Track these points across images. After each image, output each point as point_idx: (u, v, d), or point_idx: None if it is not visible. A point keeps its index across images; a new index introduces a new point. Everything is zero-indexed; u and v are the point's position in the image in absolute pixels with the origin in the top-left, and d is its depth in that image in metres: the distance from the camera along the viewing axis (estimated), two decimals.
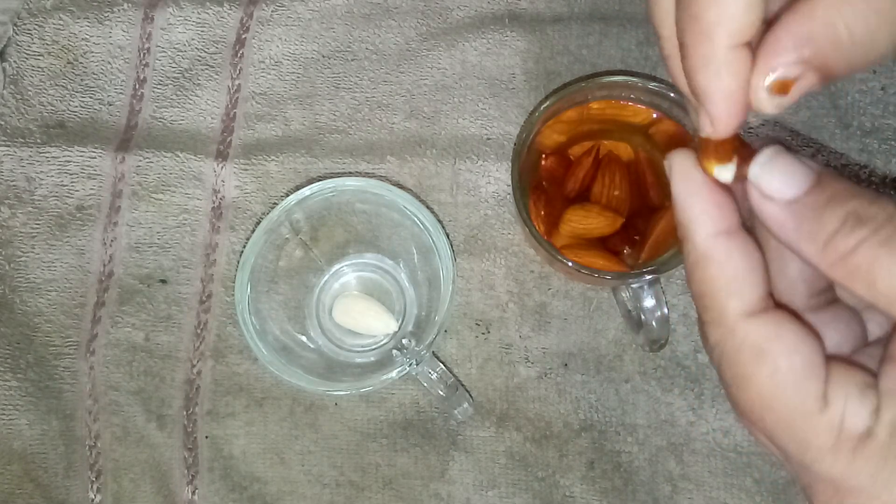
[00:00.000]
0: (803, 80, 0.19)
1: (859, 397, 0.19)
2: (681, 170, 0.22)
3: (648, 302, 0.34)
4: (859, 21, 0.18)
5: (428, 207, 0.40)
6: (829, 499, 0.19)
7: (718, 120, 0.21)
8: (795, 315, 0.21)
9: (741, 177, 0.21)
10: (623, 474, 0.38)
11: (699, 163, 0.21)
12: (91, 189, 0.42)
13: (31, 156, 0.42)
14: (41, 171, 0.42)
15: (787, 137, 0.40)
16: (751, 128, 0.41)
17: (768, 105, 0.20)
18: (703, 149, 0.21)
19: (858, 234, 0.18)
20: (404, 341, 0.39)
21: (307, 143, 0.42)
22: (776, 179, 0.20)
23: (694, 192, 0.21)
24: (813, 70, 0.19)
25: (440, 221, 0.39)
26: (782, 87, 0.20)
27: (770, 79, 0.20)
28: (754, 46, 0.20)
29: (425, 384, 0.35)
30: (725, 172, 0.21)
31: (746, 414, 0.21)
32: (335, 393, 0.35)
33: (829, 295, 0.23)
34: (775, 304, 0.21)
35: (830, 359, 0.20)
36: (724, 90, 0.20)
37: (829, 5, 0.19)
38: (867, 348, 0.23)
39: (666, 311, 0.34)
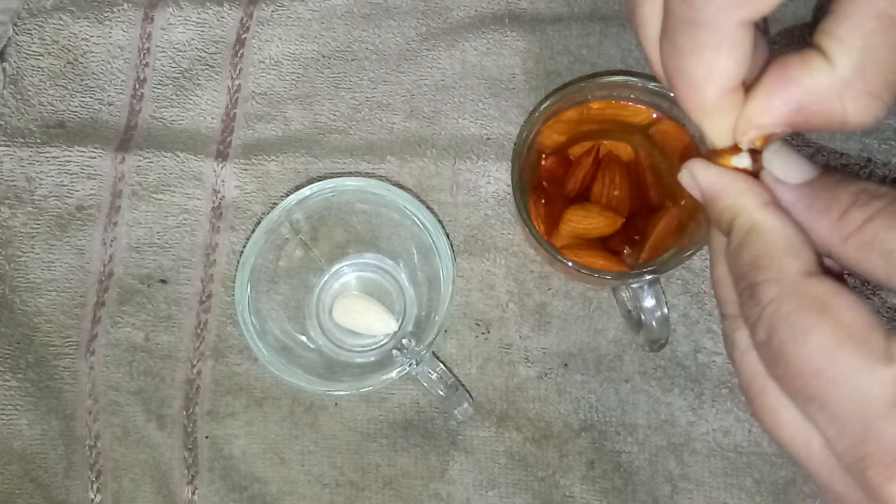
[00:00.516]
0: (784, 132, 0.21)
1: None
2: (704, 168, 0.23)
3: (648, 302, 0.34)
4: (860, 103, 0.19)
5: (428, 207, 0.40)
6: (892, 461, 0.18)
7: (717, 143, 0.22)
8: None
9: (756, 168, 0.22)
10: (623, 474, 0.38)
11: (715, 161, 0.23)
12: (91, 189, 0.42)
13: (31, 156, 0.42)
14: (41, 171, 0.42)
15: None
16: None
17: (746, 145, 0.22)
18: (715, 150, 0.23)
19: (874, 205, 0.19)
20: (404, 341, 0.39)
21: (307, 143, 0.42)
22: (787, 165, 0.21)
23: (727, 177, 0.22)
24: (794, 128, 0.21)
25: (440, 221, 0.39)
26: (764, 140, 0.22)
27: (754, 135, 0.21)
28: (749, 80, 0.21)
29: (425, 384, 0.35)
30: (743, 160, 0.22)
31: (799, 374, 0.20)
32: (335, 393, 0.35)
33: None
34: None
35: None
36: (714, 128, 0.22)
37: (832, 80, 0.19)
38: None
39: (666, 311, 0.34)
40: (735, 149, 0.22)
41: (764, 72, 0.21)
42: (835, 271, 0.22)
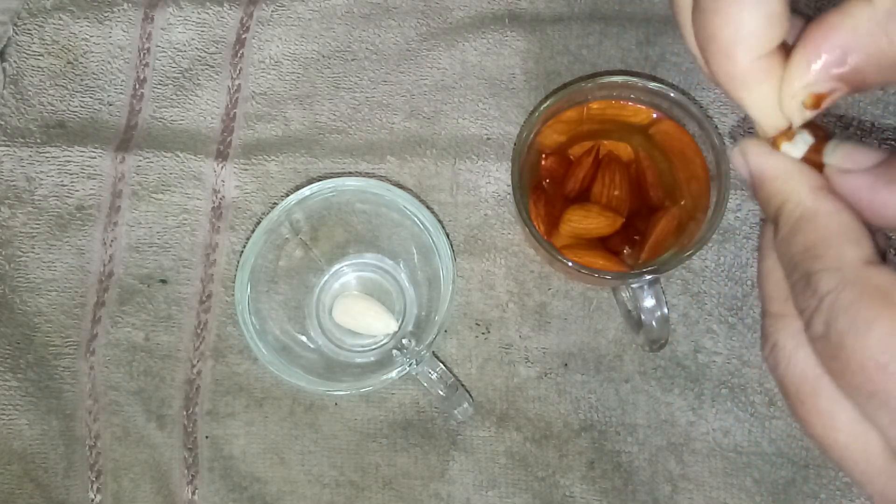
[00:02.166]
0: (836, 93, 0.19)
1: None
2: (756, 147, 0.21)
3: (648, 302, 0.34)
4: None
5: (428, 207, 0.40)
6: None
7: (759, 124, 0.21)
8: None
9: (814, 159, 0.21)
10: (623, 474, 0.38)
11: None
12: (91, 189, 0.42)
13: (31, 156, 0.42)
14: (41, 171, 0.42)
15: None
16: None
17: (798, 116, 0.20)
18: (766, 137, 0.21)
19: None
20: (404, 341, 0.39)
21: (307, 143, 0.42)
22: (851, 154, 0.20)
23: (781, 161, 0.21)
24: (847, 84, 0.19)
25: (440, 221, 0.39)
26: (815, 102, 0.20)
27: (802, 95, 0.19)
28: (792, 42, 0.19)
29: (425, 384, 0.35)
30: (798, 146, 0.21)
31: (862, 367, 0.19)
32: (335, 393, 0.35)
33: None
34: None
35: None
36: (754, 101, 0.20)
37: (874, 15, 0.18)
38: None
39: (666, 311, 0.34)
40: (789, 133, 0.21)
41: (802, 32, 0.20)
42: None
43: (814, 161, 0.21)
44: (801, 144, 0.21)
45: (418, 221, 0.36)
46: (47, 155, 0.42)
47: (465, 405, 0.36)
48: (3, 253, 0.41)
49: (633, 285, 0.34)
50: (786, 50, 0.20)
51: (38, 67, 0.43)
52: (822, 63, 0.19)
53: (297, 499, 0.39)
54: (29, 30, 0.44)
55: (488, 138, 0.41)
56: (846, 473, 0.21)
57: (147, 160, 0.42)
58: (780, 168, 0.21)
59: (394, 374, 0.34)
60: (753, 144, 0.22)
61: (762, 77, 0.20)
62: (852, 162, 0.20)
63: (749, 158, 0.22)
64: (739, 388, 0.38)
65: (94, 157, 0.42)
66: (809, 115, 0.20)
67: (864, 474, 0.20)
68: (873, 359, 0.18)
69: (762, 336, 0.23)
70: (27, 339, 0.40)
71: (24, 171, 0.42)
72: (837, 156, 0.21)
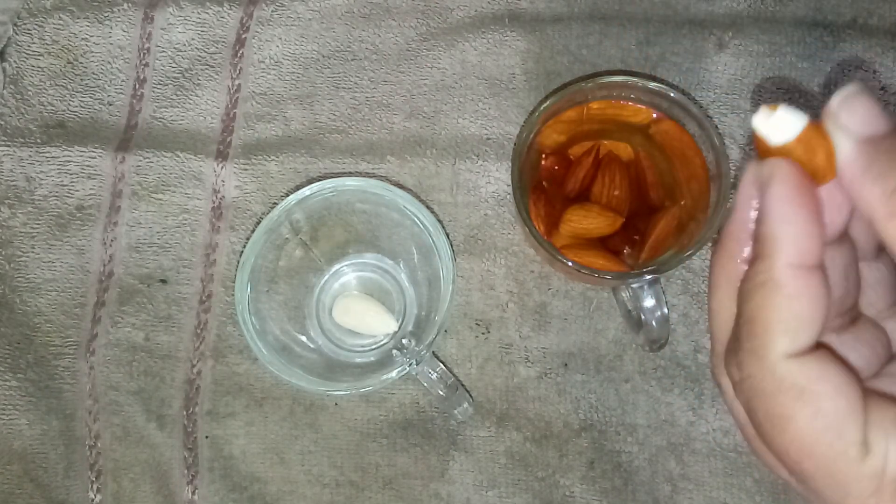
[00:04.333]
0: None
1: None
2: (786, 179, 0.19)
3: (648, 302, 0.34)
4: None
5: (428, 207, 0.40)
6: None
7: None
8: (832, 352, 0.20)
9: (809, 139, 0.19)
10: (623, 474, 0.38)
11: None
12: (91, 189, 0.42)
13: (31, 156, 0.42)
14: (41, 171, 0.42)
15: None
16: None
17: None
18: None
19: None
20: (404, 341, 0.39)
21: (307, 143, 0.42)
22: (856, 114, 0.19)
23: (794, 210, 0.19)
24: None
25: (440, 221, 0.39)
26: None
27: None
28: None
29: (425, 384, 0.35)
30: (778, 128, 0.19)
31: (781, 455, 0.19)
32: (335, 393, 0.35)
33: (853, 313, 0.23)
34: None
35: (867, 395, 0.19)
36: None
37: None
38: (893, 364, 0.22)
39: (666, 311, 0.34)
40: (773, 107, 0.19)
41: None
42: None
43: (811, 144, 0.19)
44: (776, 125, 0.19)
45: (418, 221, 0.36)
46: (47, 155, 0.42)
47: (465, 405, 0.36)
48: (3, 253, 0.41)
49: (633, 285, 0.34)
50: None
51: (38, 67, 0.43)
52: None
53: (297, 499, 0.39)
54: (29, 30, 0.44)
55: (488, 138, 0.41)
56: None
57: (147, 160, 0.42)
58: (783, 220, 0.19)
59: (394, 374, 0.34)
60: (785, 170, 0.20)
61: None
62: (854, 121, 0.19)
63: (774, 183, 0.20)
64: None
65: (94, 157, 0.42)
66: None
67: (807, 497, 0.21)
68: (789, 453, 0.19)
69: (710, 369, 0.23)
70: (27, 339, 0.40)
71: (24, 171, 0.42)
72: (844, 109, 0.19)
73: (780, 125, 0.19)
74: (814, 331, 0.19)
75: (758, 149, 0.20)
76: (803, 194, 0.19)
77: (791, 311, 0.19)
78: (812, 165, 0.20)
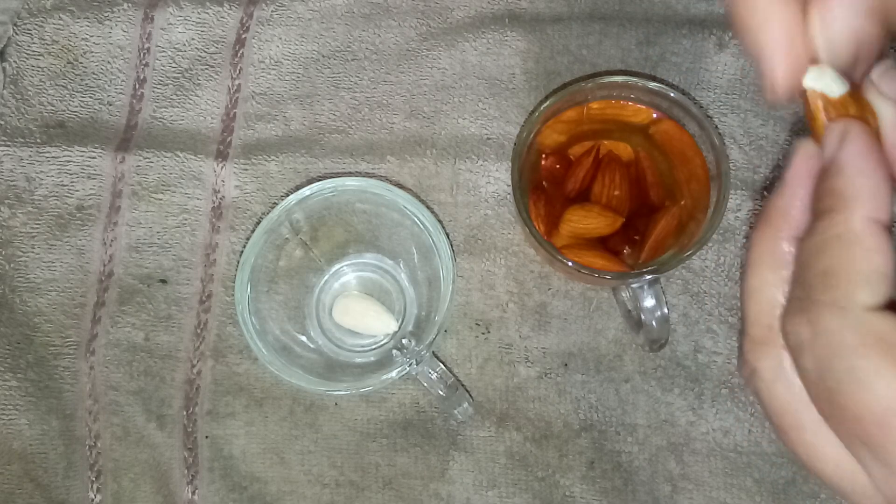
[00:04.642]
0: (865, 30, 0.18)
1: None
2: (863, 135, 0.19)
3: (648, 302, 0.34)
4: None
5: (428, 207, 0.40)
6: None
7: (783, 60, 0.20)
8: None
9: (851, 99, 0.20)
10: (623, 474, 0.38)
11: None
12: (91, 189, 0.42)
13: (31, 156, 0.42)
14: (41, 171, 0.42)
15: (788, 136, 0.40)
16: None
17: (824, 48, 0.19)
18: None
19: None
20: (404, 341, 0.39)
21: (307, 143, 0.42)
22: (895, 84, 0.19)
23: (873, 165, 0.19)
24: (874, 17, 0.18)
25: (440, 221, 0.39)
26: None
27: (831, 26, 0.19)
28: None
29: (425, 384, 0.35)
30: (819, 83, 0.20)
31: (858, 419, 0.18)
32: (335, 393, 0.35)
33: None
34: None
35: None
36: (772, 42, 0.19)
37: None
38: None
39: (666, 311, 0.34)
40: (814, 62, 0.19)
41: None
42: None
43: (855, 115, 0.20)
44: (830, 82, 0.19)
45: (418, 221, 0.36)
46: (47, 155, 0.42)
47: (465, 405, 0.36)
48: (3, 253, 0.41)
49: (633, 285, 0.34)
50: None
51: (38, 67, 0.43)
52: None
53: (297, 499, 0.39)
54: (29, 30, 0.44)
55: (488, 138, 0.41)
56: (833, 492, 0.21)
57: (147, 160, 0.42)
58: (861, 173, 0.19)
59: (394, 374, 0.34)
60: (861, 129, 0.20)
61: (786, 16, 0.19)
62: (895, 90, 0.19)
63: (850, 139, 0.19)
64: (739, 388, 0.38)
65: (94, 157, 0.42)
66: (840, 46, 0.19)
67: (853, 496, 0.20)
68: (872, 414, 0.18)
69: (739, 356, 0.22)
70: (27, 339, 0.40)
71: (24, 171, 0.42)
72: (885, 81, 0.19)
73: (834, 80, 0.19)
74: (889, 287, 0.19)
75: (810, 112, 0.20)
76: (878, 152, 0.19)
77: (871, 263, 0.19)
78: (865, 124, 0.20)
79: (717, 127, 0.34)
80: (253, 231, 0.40)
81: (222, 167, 0.41)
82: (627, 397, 0.39)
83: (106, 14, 0.44)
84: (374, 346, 0.40)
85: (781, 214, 0.21)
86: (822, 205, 0.20)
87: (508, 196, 0.40)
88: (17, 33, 0.44)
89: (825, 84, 0.20)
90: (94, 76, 0.43)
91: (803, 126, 0.41)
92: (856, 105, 0.20)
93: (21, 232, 0.41)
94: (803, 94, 0.20)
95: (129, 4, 0.44)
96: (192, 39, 0.43)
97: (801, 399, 0.20)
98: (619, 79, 0.35)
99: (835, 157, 0.20)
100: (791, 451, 0.21)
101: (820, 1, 0.19)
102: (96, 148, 0.42)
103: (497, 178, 0.41)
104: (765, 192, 0.40)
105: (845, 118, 0.20)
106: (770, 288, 0.21)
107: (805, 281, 0.20)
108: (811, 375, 0.19)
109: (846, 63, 0.20)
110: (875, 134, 0.20)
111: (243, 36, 0.43)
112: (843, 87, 0.20)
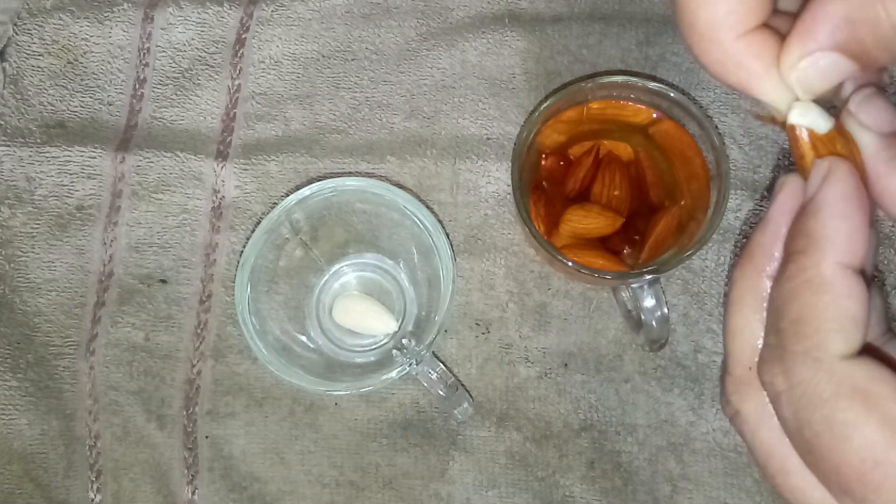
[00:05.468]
0: (840, 68, 0.18)
1: None
2: (847, 177, 0.19)
3: (648, 302, 0.34)
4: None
5: (428, 207, 0.40)
6: None
7: (774, 100, 0.19)
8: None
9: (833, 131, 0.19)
10: (623, 474, 0.38)
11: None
12: (91, 189, 0.42)
13: (31, 156, 0.42)
14: (41, 171, 0.42)
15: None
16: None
17: (801, 89, 0.19)
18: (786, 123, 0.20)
19: None
20: (404, 341, 0.39)
21: (307, 143, 0.42)
22: (876, 111, 0.19)
23: (852, 209, 0.19)
24: (849, 55, 0.18)
25: (440, 221, 0.39)
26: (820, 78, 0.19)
27: (803, 63, 0.18)
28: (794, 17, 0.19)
29: (425, 384, 0.35)
30: (804, 119, 0.19)
31: (837, 470, 0.18)
32: (335, 393, 0.35)
33: (892, 332, 0.22)
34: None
35: None
36: (757, 78, 0.19)
37: None
38: None
39: (666, 311, 0.34)
40: (797, 103, 0.19)
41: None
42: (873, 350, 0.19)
43: (837, 152, 0.19)
44: (816, 118, 0.19)
45: (418, 221, 0.36)
46: (47, 155, 0.42)
47: (465, 405, 0.36)
48: (3, 253, 0.41)
49: (633, 285, 0.34)
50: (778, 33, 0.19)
51: (38, 67, 0.43)
52: (820, 32, 0.18)
53: (297, 499, 0.39)
54: (29, 30, 0.44)
55: (488, 138, 0.41)
56: None
57: (147, 160, 0.42)
58: (835, 218, 0.18)
59: (394, 374, 0.34)
60: (845, 169, 0.19)
61: (754, 54, 0.19)
62: (873, 119, 0.19)
63: (832, 180, 0.19)
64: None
65: (94, 157, 0.42)
66: (817, 83, 0.19)
67: None
68: (850, 465, 0.17)
69: (722, 395, 0.22)
70: (27, 339, 0.40)
71: (24, 171, 0.42)
72: (862, 110, 0.19)
73: (820, 115, 0.19)
74: (863, 333, 0.18)
75: (797, 148, 0.20)
76: (860, 195, 0.19)
77: (843, 310, 0.18)
78: (851, 159, 0.20)
79: (717, 127, 0.34)
80: (253, 231, 0.40)
81: (222, 167, 0.41)
82: (627, 397, 0.39)
83: (106, 14, 0.44)
84: (374, 346, 0.40)
85: (764, 252, 0.20)
86: (794, 245, 0.19)
87: (508, 196, 0.40)
88: (17, 33, 0.44)
89: (811, 120, 0.19)
90: (94, 76, 0.43)
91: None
92: (843, 140, 0.19)
93: (21, 232, 0.41)
94: (791, 129, 0.20)
95: (129, 4, 0.44)
96: (192, 39, 0.43)
97: (787, 443, 0.20)
98: (619, 79, 0.35)
99: (814, 196, 0.19)
100: (778, 494, 0.20)
101: (793, 45, 0.18)
102: (96, 148, 0.42)
103: (497, 178, 0.41)
104: (765, 193, 0.40)
105: (833, 155, 0.19)
106: (753, 327, 0.20)
107: (778, 328, 0.19)
108: (790, 425, 0.19)
109: (828, 98, 0.19)
110: (862, 168, 0.19)
111: (243, 36, 0.43)
112: (829, 122, 0.19)
